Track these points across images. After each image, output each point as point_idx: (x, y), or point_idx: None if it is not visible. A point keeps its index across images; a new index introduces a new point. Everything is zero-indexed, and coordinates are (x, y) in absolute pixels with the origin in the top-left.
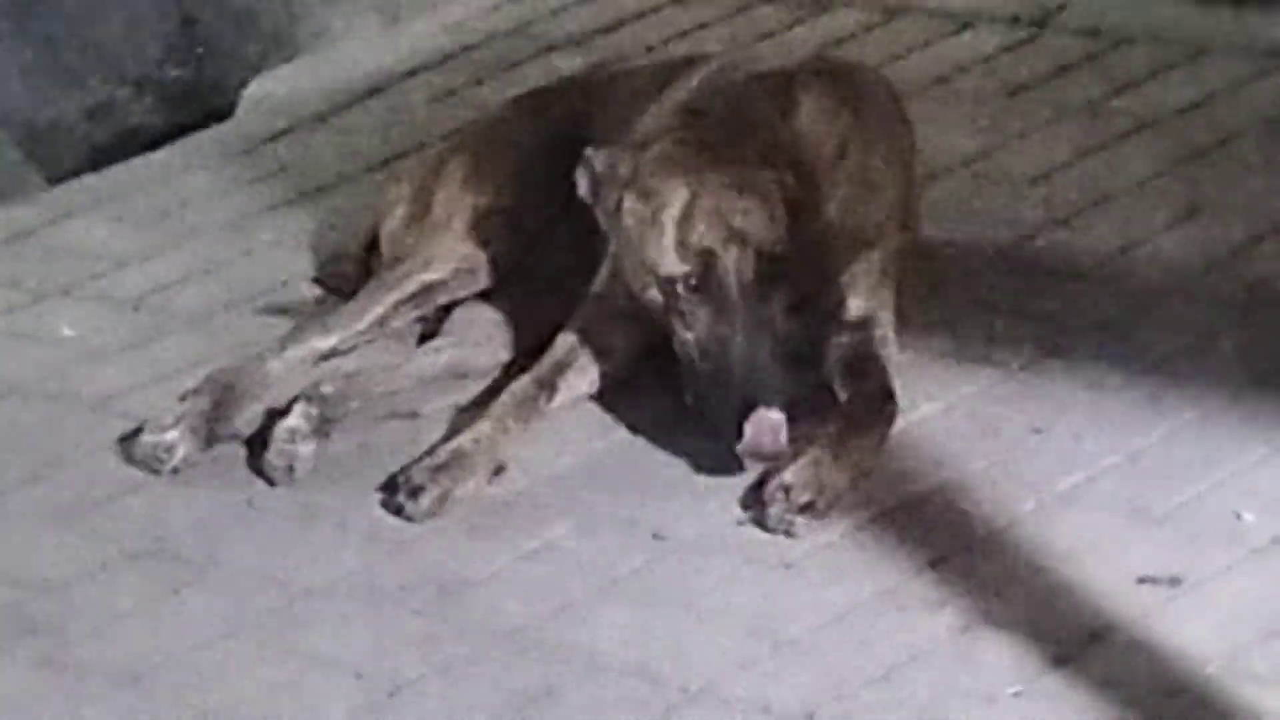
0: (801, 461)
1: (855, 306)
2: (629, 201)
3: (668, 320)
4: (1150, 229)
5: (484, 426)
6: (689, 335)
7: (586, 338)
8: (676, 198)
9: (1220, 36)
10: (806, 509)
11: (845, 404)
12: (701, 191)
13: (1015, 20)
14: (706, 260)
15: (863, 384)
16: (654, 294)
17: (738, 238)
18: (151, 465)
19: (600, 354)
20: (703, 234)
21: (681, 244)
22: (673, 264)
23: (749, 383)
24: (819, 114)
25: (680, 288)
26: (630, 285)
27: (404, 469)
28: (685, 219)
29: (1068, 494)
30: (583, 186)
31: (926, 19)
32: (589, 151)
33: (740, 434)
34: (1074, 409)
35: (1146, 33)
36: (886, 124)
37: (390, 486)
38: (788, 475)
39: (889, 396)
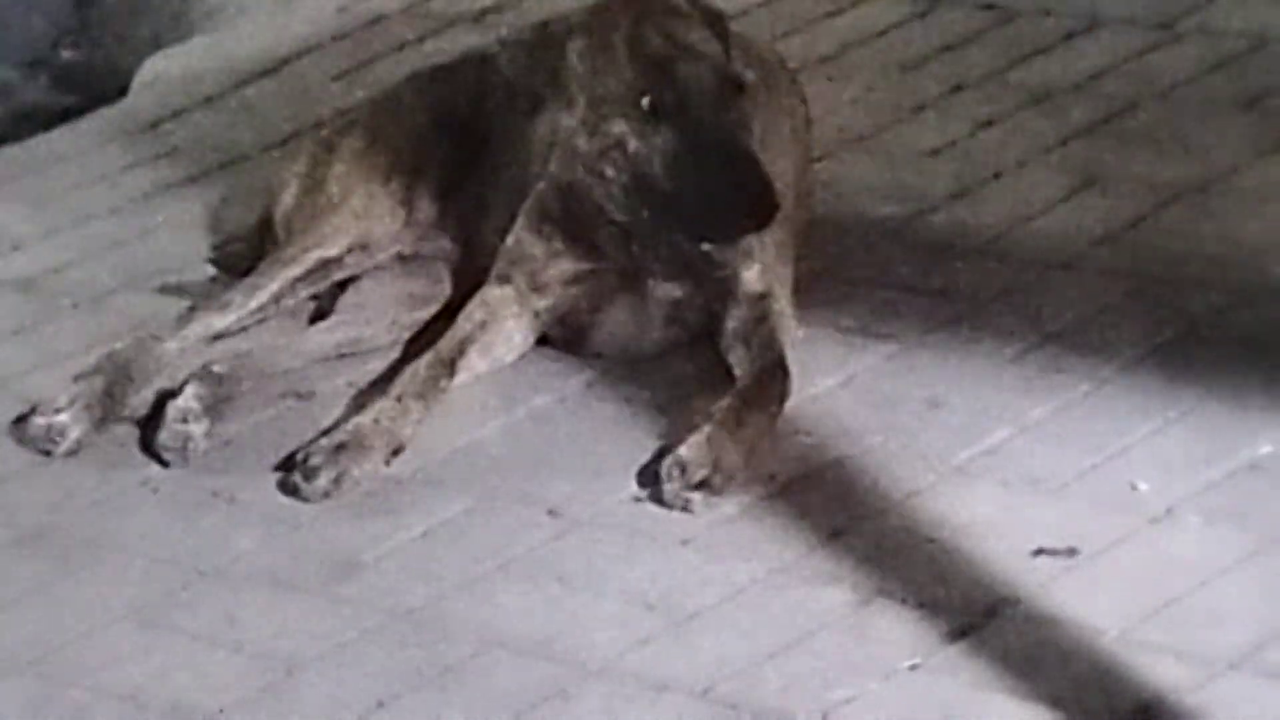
0: (696, 438)
1: (751, 280)
2: (576, 43)
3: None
4: (1046, 202)
5: (383, 405)
6: (656, 159)
7: (513, 280)
8: (624, 20)
9: (1113, 8)
10: (702, 485)
11: (740, 379)
12: (645, 16)
13: None
14: (664, 70)
15: (758, 359)
16: (615, 130)
17: (691, 52)
18: (44, 447)
19: (535, 289)
20: (657, 46)
21: (634, 59)
22: (631, 80)
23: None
24: None
25: (645, 105)
26: (576, 159)
27: (300, 449)
28: (634, 39)
29: (964, 466)
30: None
31: None
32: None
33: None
34: (970, 382)
35: (1039, 6)
36: (780, 99)
37: (286, 466)
38: (683, 451)
39: (784, 372)
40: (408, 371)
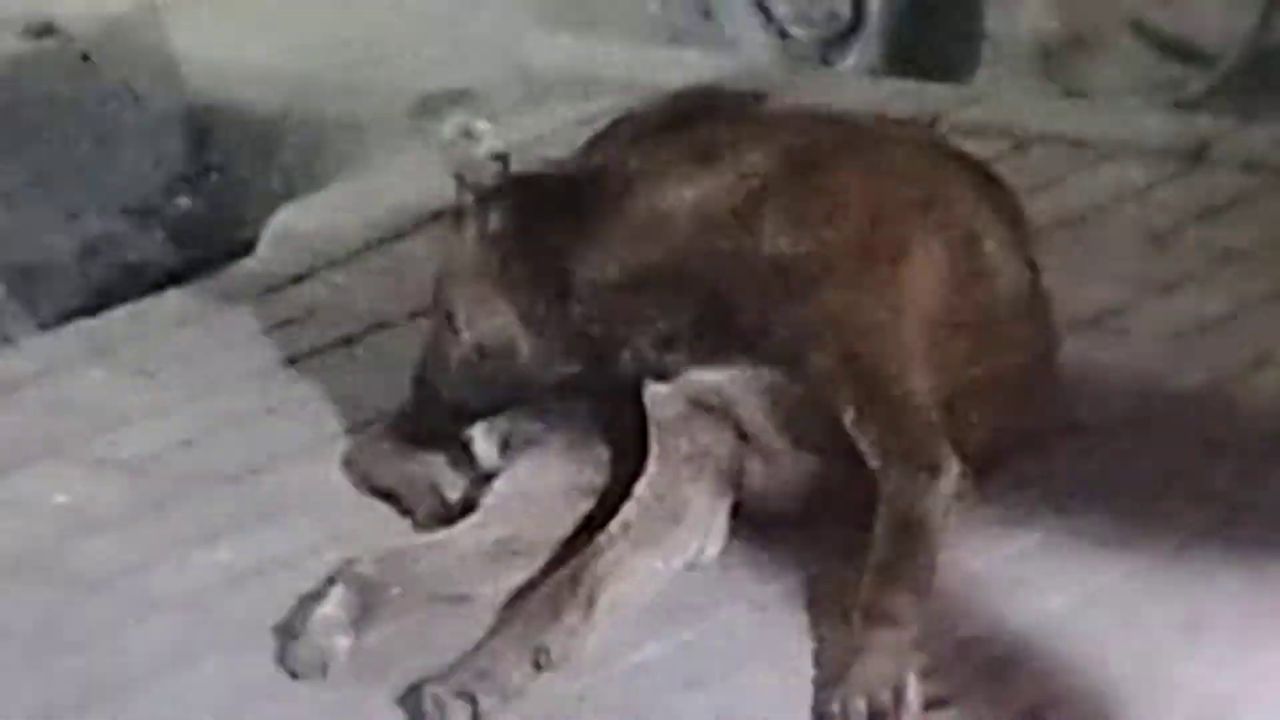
0: (856, 668)
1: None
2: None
3: None
4: None
5: (530, 616)
6: None
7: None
8: None
9: None
10: (879, 715)
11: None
12: None
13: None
14: None
15: (889, 526)
16: None
17: None
18: (305, 672)
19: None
20: None
21: None
22: None
23: None
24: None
25: None
26: None
27: (426, 681)
28: None
29: (1229, 695)
30: None
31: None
32: None
33: None
34: (1235, 600)
35: None
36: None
37: (414, 700)
38: (847, 694)
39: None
40: (557, 577)
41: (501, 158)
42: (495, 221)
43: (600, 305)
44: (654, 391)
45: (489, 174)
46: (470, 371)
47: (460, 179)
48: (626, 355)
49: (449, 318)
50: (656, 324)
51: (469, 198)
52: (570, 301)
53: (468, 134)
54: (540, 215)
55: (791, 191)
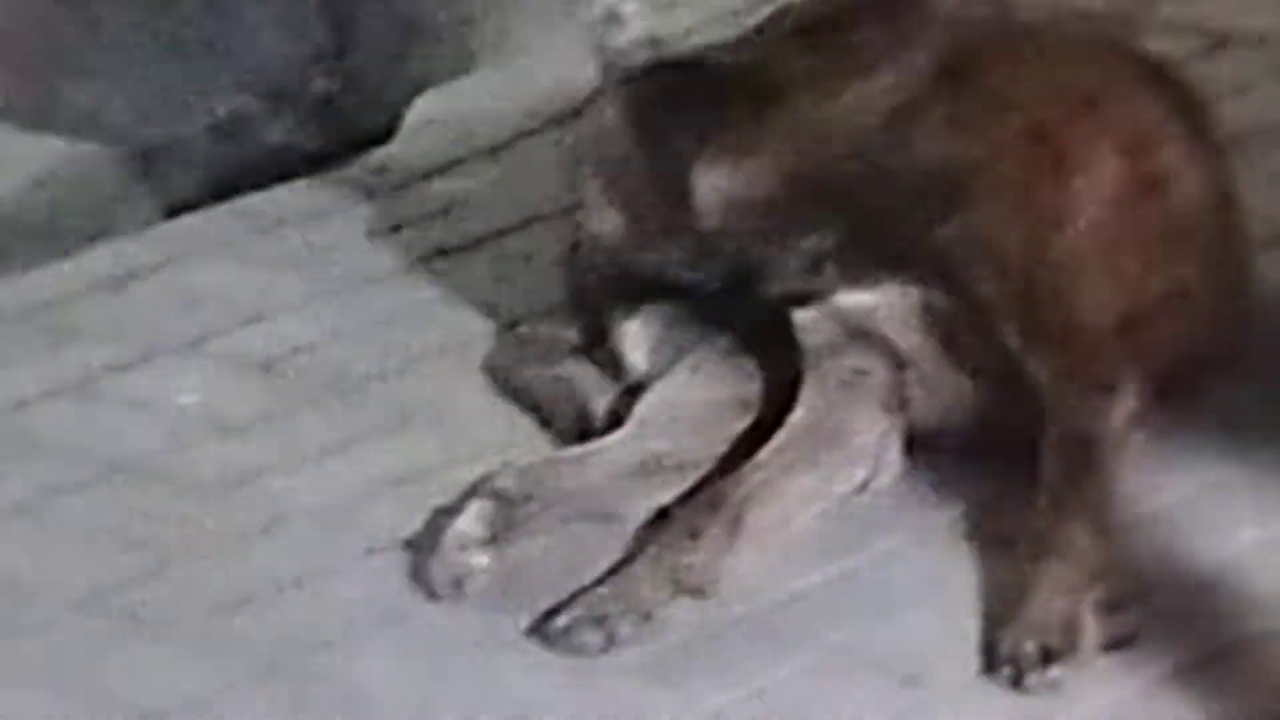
0: (1027, 607)
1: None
2: None
3: None
4: None
5: (674, 540)
6: None
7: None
8: None
9: None
10: (1053, 657)
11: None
12: None
13: None
14: None
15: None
16: None
17: None
18: (441, 591)
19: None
20: None
21: None
22: None
23: None
24: None
25: None
26: None
27: (562, 604)
28: None
29: None
30: None
31: None
32: None
33: None
34: None
35: None
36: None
37: (550, 617)
38: (1020, 632)
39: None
40: (700, 498)
41: (651, 42)
42: (619, 113)
43: (731, 219)
44: (801, 316)
45: (635, 60)
46: (596, 270)
47: (603, 65)
48: (767, 275)
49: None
50: (800, 244)
51: (609, 84)
52: (694, 211)
53: (614, 17)
54: (667, 111)
55: (947, 98)
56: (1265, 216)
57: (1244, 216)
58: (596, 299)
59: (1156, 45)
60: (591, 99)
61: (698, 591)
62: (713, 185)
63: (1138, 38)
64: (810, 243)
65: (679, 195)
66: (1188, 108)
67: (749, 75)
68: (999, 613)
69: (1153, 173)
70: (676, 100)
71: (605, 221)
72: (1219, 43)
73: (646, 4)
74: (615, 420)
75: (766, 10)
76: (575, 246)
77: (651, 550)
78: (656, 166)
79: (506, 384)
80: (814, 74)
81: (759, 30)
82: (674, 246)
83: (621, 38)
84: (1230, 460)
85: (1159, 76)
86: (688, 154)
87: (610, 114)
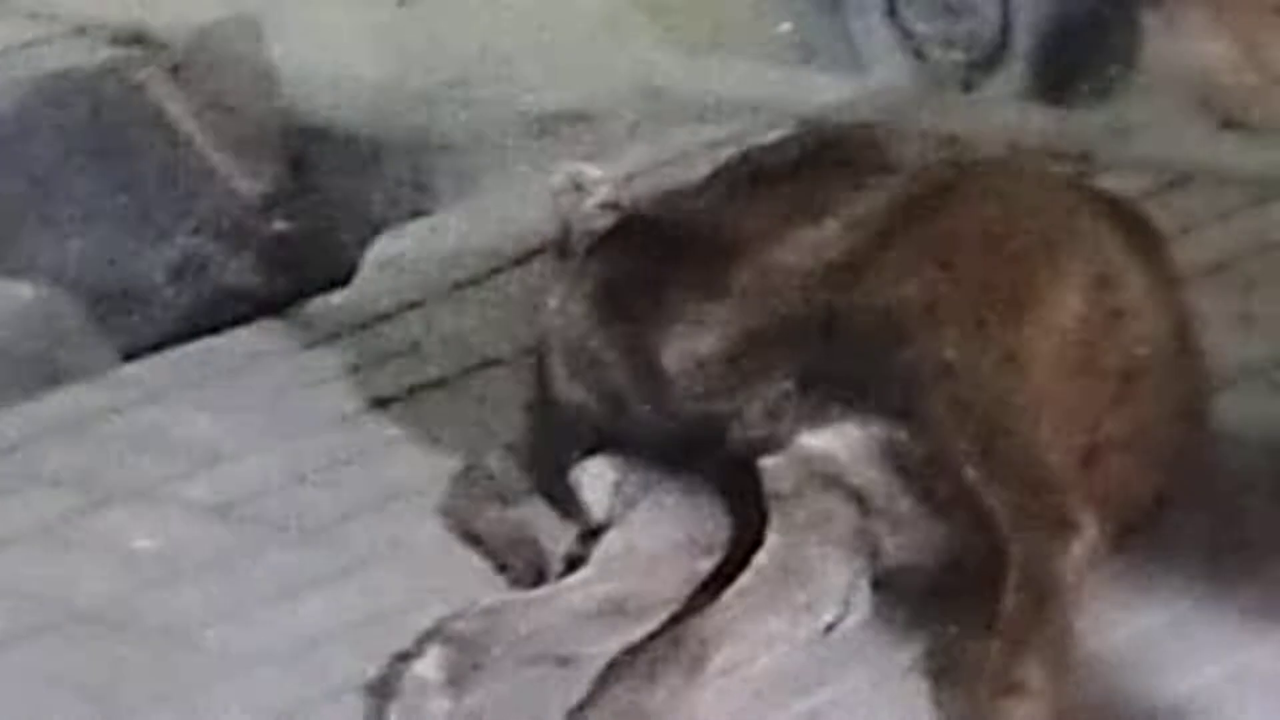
0: None
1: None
2: None
3: None
4: None
5: (633, 682)
6: None
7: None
8: None
9: None
10: None
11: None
12: None
13: None
14: None
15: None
16: None
17: None
18: None
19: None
20: None
21: None
22: None
23: None
24: None
25: None
26: None
27: None
28: None
29: None
30: None
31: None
32: None
33: None
34: None
35: None
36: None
37: None
38: None
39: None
40: (660, 638)
41: (612, 207)
42: (579, 284)
43: (696, 378)
44: (766, 463)
45: (599, 224)
46: (559, 422)
47: (567, 231)
48: (733, 430)
49: (540, 367)
50: (764, 391)
51: (573, 249)
52: (661, 378)
53: (578, 185)
54: (627, 278)
55: (905, 239)
56: (1223, 354)
57: (1202, 353)
58: (558, 444)
59: (1114, 183)
60: (551, 244)
61: None
62: (677, 348)
63: (1095, 176)
64: (772, 390)
65: (643, 361)
66: (1146, 245)
67: (706, 229)
68: None
69: (1111, 310)
70: (635, 266)
71: (571, 391)
72: (1177, 180)
73: (607, 171)
74: (573, 564)
75: (730, 150)
76: (536, 394)
77: (611, 692)
78: (619, 334)
79: (464, 526)
80: (772, 223)
81: (716, 178)
82: (638, 408)
83: (583, 205)
84: (1191, 596)
85: (1117, 214)
86: (649, 319)
87: (570, 285)
